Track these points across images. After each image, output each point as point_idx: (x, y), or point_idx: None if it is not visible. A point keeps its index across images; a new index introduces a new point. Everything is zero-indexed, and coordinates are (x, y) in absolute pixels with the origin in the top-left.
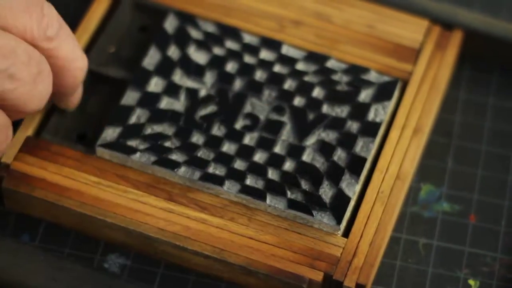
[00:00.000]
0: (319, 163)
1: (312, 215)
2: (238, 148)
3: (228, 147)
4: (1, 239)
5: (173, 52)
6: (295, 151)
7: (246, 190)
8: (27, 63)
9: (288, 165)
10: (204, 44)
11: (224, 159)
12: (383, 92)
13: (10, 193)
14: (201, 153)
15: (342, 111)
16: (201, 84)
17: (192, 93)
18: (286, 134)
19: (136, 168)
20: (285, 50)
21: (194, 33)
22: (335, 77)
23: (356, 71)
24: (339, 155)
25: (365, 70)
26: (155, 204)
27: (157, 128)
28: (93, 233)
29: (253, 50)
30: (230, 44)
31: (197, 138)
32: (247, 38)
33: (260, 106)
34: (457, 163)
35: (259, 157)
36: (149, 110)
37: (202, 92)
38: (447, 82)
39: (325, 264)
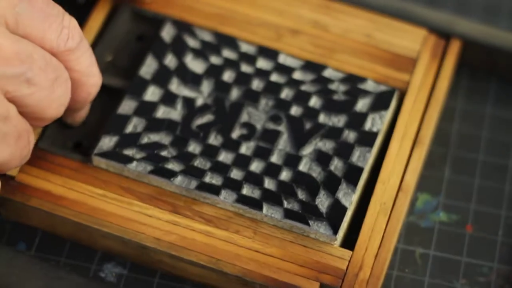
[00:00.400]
0: (316, 172)
1: (308, 225)
2: (235, 157)
3: (224, 156)
4: None
5: (170, 60)
6: (291, 160)
7: (243, 200)
8: (44, 68)
9: (285, 175)
10: (201, 53)
11: (220, 169)
12: (380, 102)
13: (6, 202)
14: (198, 162)
15: (339, 120)
16: (198, 93)
17: (188, 102)
18: (283, 143)
19: (132, 177)
20: (282, 59)
21: (191, 42)
22: (332, 86)
23: (353, 81)
24: (336, 164)
25: (362, 79)
26: (160, 217)
27: (154, 137)
28: (90, 242)
29: (250, 59)
30: (227, 53)
31: (193, 147)
32: (244, 47)
33: (256, 115)
34: (454, 172)
35: (255, 166)
36: (145, 119)
37: (199, 101)
38: (446, 92)
39: (331, 277)
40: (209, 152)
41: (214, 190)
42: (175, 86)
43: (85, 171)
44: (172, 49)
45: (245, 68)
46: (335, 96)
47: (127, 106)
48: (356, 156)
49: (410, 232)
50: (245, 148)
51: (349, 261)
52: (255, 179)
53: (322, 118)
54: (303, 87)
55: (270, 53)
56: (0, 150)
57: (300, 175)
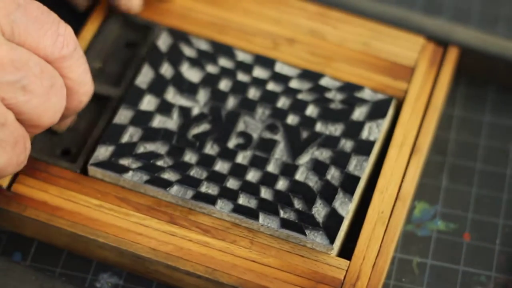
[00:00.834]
0: (312, 182)
1: (305, 234)
2: (231, 167)
3: (221, 166)
4: None
5: (166, 70)
6: (288, 170)
7: (239, 209)
8: (40, 76)
9: (281, 184)
10: (197, 62)
11: (216, 178)
12: (377, 110)
13: (1, 212)
14: (194, 172)
15: (335, 129)
16: (194, 102)
17: (185, 112)
18: (279, 152)
19: (128, 187)
20: (279, 68)
21: (187, 51)
22: (329, 95)
23: (350, 89)
24: (333, 174)
25: (359, 88)
26: (157, 227)
27: (150, 147)
28: (86, 252)
29: (246, 68)
30: (224, 62)
31: (189, 157)
32: (241, 56)
33: (253, 124)
34: (451, 181)
35: (252, 176)
36: (141, 129)
37: (195, 111)
38: (444, 100)
39: (328, 287)
40: (205, 161)
41: (210, 199)
42: (171, 95)
43: (81, 181)
44: (168, 58)
45: (242, 77)
46: (332, 104)
47: (123, 115)
48: (353, 165)
49: (407, 241)
50: (242, 157)
51: (347, 271)
52: (251, 189)
53: (318, 127)
54: (300, 96)
55: (266, 62)
56: None
57: (297, 184)
